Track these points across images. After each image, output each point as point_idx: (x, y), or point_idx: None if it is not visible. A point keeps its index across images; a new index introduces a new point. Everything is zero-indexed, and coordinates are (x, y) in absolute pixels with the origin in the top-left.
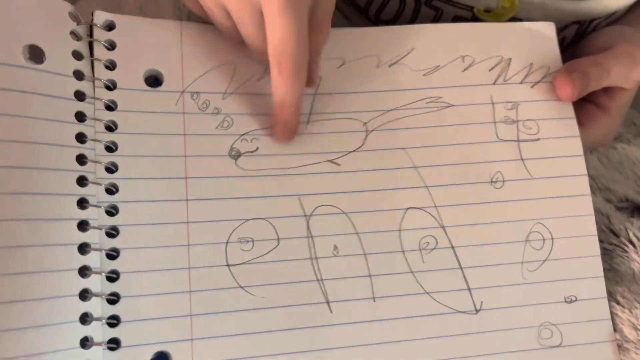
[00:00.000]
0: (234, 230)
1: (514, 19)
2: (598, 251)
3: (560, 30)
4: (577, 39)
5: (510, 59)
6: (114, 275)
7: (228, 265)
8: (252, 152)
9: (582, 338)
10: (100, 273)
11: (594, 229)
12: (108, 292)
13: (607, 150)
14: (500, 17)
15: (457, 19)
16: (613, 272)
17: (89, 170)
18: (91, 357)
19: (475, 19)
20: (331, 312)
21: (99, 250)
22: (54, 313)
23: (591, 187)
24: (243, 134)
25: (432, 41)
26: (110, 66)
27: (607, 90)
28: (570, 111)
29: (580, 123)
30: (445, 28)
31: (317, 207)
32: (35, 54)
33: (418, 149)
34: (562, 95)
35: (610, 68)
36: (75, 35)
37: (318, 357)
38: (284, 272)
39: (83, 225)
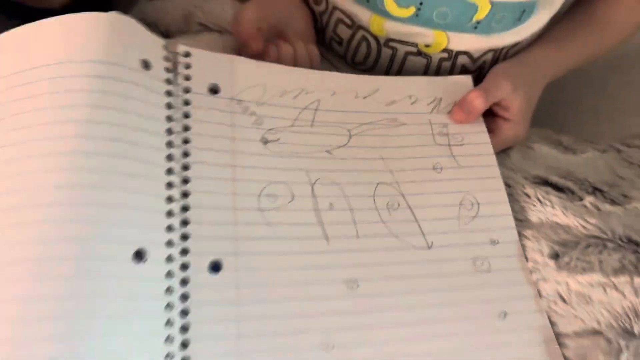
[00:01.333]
0: (264, 189)
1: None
2: (510, 212)
3: (481, 57)
4: (494, 62)
5: (441, 98)
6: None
7: (260, 210)
8: (275, 140)
9: (504, 266)
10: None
11: (505, 198)
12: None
13: (527, 150)
14: (435, 50)
15: (408, 54)
16: (527, 222)
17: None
18: None
19: (419, 52)
20: (328, 243)
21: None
22: None
23: (512, 170)
24: (270, 129)
25: (391, 85)
26: (187, 78)
27: (500, 105)
28: (481, 125)
29: (492, 131)
30: (401, 79)
31: (318, 179)
32: (145, 65)
33: (384, 148)
34: (457, 120)
35: (488, 89)
36: (167, 58)
37: (317, 274)
38: (296, 218)
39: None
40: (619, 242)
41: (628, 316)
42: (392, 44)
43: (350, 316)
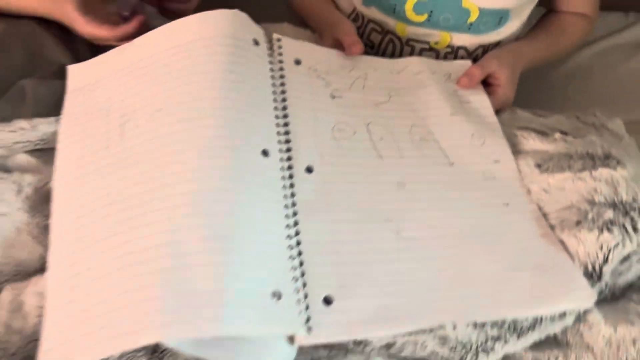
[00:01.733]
0: (334, 125)
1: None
2: (506, 142)
3: (474, 51)
4: (484, 55)
5: (450, 74)
6: None
7: (334, 139)
8: (340, 97)
9: (505, 176)
10: None
11: (502, 134)
12: None
13: (513, 113)
14: (442, 46)
15: (422, 50)
16: (517, 150)
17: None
18: None
19: (431, 48)
20: (382, 160)
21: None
22: None
23: (503, 124)
24: (335, 89)
25: (416, 63)
26: (280, 54)
27: (492, 76)
28: (481, 90)
29: (490, 94)
30: (423, 59)
31: (370, 121)
32: (256, 42)
33: (415, 103)
34: (463, 85)
35: (483, 65)
36: (267, 40)
37: (376, 179)
38: (358, 144)
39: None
40: (580, 155)
41: (590, 193)
42: (411, 42)
43: (402, 203)
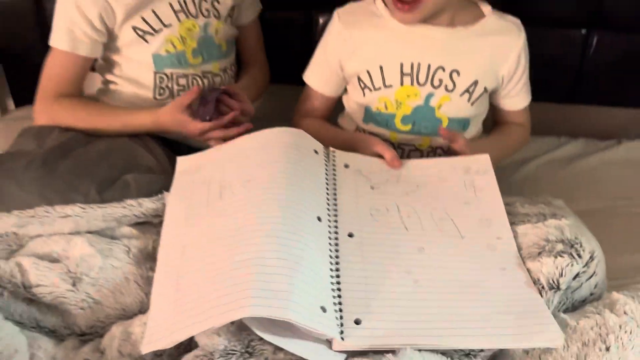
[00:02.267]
0: (372, 206)
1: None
2: (508, 225)
3: (448, 149)
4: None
5: (470, 167)
6: None
7: (371, 215)
8: (378, 188)
9: (504, 247)
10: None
11: (505, 218)
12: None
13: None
14: (424, 146)
15: (410, 150)
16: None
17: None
18: None
19: (416, 149)
20: (407, 231)
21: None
22: None
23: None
24: (375, 182)
25: (442, 162)
26: (334, 161)
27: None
28: (494, 185)
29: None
30: (447, 159)
31: (400, 204)
32: (315, 152)
33: (437, 192)
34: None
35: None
36: (324, 151)
37: (402, 245)
38: (390, 220)
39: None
40: (535, 214)
41: (545, 235)
42: (402, 146)
43: (420, 262)
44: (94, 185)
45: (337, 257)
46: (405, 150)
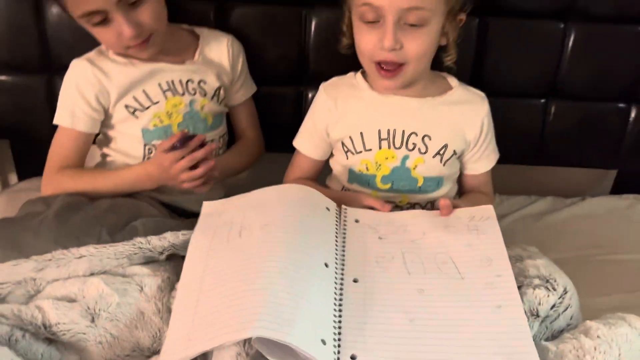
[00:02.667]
0: (378, 253)
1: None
2: (508, 262)
3: (425, 205)
4: (432, 208)
5: (474, 215)
6: None
7: (377, 262)
8: (385, 238)
9: (502, 285)
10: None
11: (506, 256)
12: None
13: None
14: (403, 203)
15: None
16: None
17: None
18: None
19: (397, 206)
20: (409, 275)
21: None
22: None
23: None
24: (382, 233)
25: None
26: (345, 216)
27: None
28: (497, 232)
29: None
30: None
31: (405, 251)
32: (327, 209)
33: (441, 237)
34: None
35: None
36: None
37: (404, 286)
38: (394, 265)
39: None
40: (514, 256)
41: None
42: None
43: (419, 302)
44: (105, 229)
45: (340, 299)
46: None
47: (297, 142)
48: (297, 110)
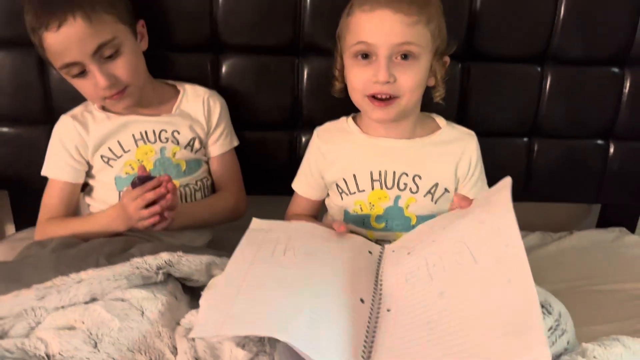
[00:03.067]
0: (408, 272)
1: None
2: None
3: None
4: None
5: (491, 191)
6: None
7: (406, 280)
8: (412, 252)
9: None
10: None
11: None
12: None
13: None
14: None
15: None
16: None
17: None
18: None
19: None
20: (432, 280)
21: None
22: None
23: None
24: (409, 251)
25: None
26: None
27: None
28: (509, 212)
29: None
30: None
31: (427, 257)
32: (370, 252)
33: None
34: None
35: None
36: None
37: (428, 289)
38: (419, 275)
39: None
40: None
41: None
42: (379, 241)
43: (441, 307)
44: (102, 256)
45: (374, 330)
46: (382, 246)
47: (295, 185)
48: (292, 154)
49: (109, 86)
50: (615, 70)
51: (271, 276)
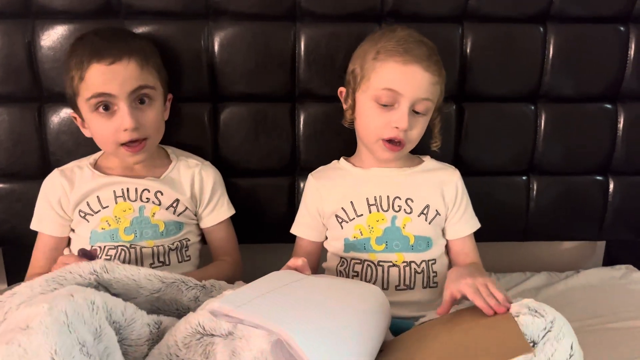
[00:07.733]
0: None
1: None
2: None
3: (420, 264)
4: (428, 267)
5: None
6: None
7: None
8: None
9: None
10: None
11: None
12: None
13: None
14: (399, 262)
15: (389, 266)
16: None
17: None
18: None
19: (393, 265)
20: None
21: None
22: None
23: None
24: None
25: None
26: None
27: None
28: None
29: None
30: None
31: None
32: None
33: None
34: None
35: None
36: None
37: None
38: None
39: None
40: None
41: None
42: (381, 263)
43: None
44: None
45: None
46: (384, 267)
47: (294, 229)
48: (290, 199)
49: (132, 129)
50: (608, 106)
51: (305, 293)
